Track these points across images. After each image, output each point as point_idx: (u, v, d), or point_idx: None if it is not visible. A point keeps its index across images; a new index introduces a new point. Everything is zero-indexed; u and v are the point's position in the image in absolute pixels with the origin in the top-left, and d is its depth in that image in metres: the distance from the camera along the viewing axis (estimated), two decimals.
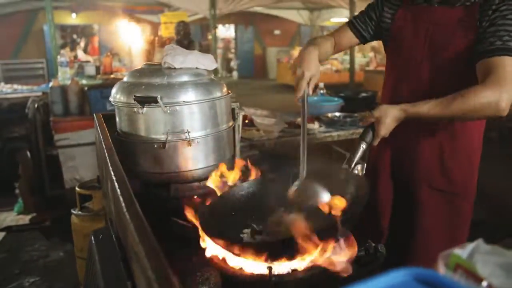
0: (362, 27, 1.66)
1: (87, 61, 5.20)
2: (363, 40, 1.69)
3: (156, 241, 0.74)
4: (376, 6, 1.63)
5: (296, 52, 14.16)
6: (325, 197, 1.27)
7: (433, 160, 1.50)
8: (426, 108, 1.28)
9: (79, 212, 2.27)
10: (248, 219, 1.30)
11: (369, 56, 12.52)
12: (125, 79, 1.63)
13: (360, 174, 1.33)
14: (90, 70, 4.54)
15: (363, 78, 10.86)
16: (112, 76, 4.47)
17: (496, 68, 1.25)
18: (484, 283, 0.52)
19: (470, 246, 0.61)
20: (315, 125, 2.86)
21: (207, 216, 1.23)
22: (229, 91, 1.71)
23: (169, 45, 1.66)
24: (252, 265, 1.11)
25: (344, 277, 1.23)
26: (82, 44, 10.26)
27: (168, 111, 1.49)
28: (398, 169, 1.60)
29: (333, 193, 1.27)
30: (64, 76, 4.35)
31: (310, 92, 1.43)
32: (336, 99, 3.55)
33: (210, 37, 14.79)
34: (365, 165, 1.36)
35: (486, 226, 2.28)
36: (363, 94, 3.82)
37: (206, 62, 1.62)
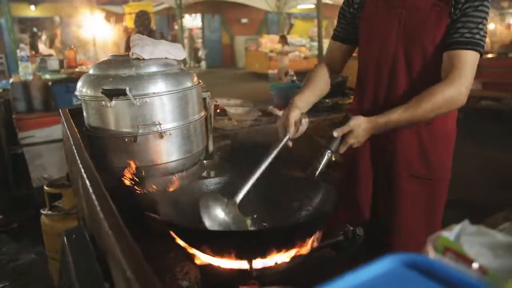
0: (343, 32, 1.65)
1: (50, 55, 5.00)
2: (352, 43, 1.66)
3: (133, 240, 0.70)
4: (346, 2, 1.62)
5: (264, 40, 14.13)
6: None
7: (412, 147, 1.51)
8: (396, 115, 1.34)
9: (49, 212, 2.19)
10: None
11: None
12: (91, 71, 1.56)
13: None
14: (53, 64, 4.36)
15: None
16: (77, 69, 4.31)
17: (459, 62, 1.33)
18: (475, 265, 0.51)
19: (456, 228, 0.61)
20: None
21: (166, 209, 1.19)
22: (200, 81, 1.67)
23: (136, 35, 1.60)
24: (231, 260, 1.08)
25: (328, 266, 1.24)
26: (44, 37, 9.87)
27: (138, 103, 1.44)
28: (377, 158, 1.60)
29: (298, 201, 1.25)
30: (26, 71, 4.16)
31: (291, 136, 1.39)
32: None
33: (176, 27, 14.55)
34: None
35: (456, 205, 2.34)
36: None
37: (175, 52, 1.57)
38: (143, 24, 5.19)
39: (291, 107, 1.43)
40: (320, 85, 1.63)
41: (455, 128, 1.57)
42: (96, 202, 0.85)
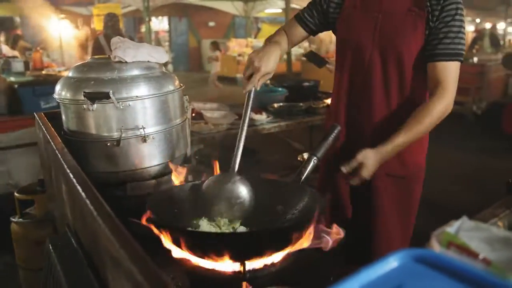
0: (309, 20, 1.64)
1: (14, 57, 4.81)
2: (312, 33, 1.69)
3: (138, 244, 0.70)
4: None
5: (232, 43, 14.14)
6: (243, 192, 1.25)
7: None
8: (401, 140, 1.38)
9: (20, 220, 2.11)
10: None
11: (304, 47, 12.78)
12: (70, 74, 1.52)
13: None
14: (18, 66, 4.20)
15: (301, 67, 11.07)
16: (44, 72, 4.17)
17: (447, 75, 1.40)
18: (481, 256, 0.54)
19: (456, 224, 0.64)
20: (263, 116, 2.87)
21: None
22: (181, 84, 1.66)
23: (116, 37, 1.57)
24: (222, 264, 1.09)
25: (314, 265, 1.26)
26: (2, 38, 9.47)
27: (121, 107, 1.42)
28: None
29: (283, 205, 1.27)
30: None
31: (258, 88, 1.43)
32: (280, 89, 3.58)
33: (143, 29, 14.32)
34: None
35: (430, 204, 2.43)
36: (306, 84, 3.89)
37: (158, 55, 1.56)
38: (113, 26, 5.03)
39: (263, 60, 1.41)
40: (283, 47, 1.62)
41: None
42: (91, 207, 0.83)
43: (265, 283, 1.06)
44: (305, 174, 1.32)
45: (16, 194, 2.15)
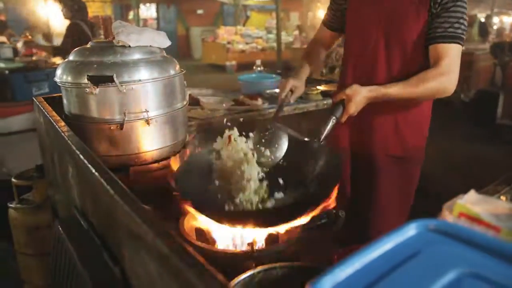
0: (330, 19, 1.77)
1: (2, 42, 4.71)
2: (336, 31, 1.80)
3: (160, 219, 0.72)
4: None
5: (221, 31, 14.04)
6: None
7: (389, 130, 1.61)
8: (395, 90, 1.41)
9: (19, 205, 2.10)
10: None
11: (294, 34, 12.76)
12: (71, 58, 1.52)
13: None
14: (7, 52, 4.12)
15: (290, 55, 11.07)
16: (34, 58, 4.10)
17: (448, 55, 1.42)
18: (492, 224, 0.58)
19: (465, 197, 0.67)
20: (259, 102, 2.88)
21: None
22: (182, 69, 1.67)
23: (117, 21, 1.57)
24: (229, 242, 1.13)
25: (317, 244, 1.30)
26: None
27: (124, 90, 1.42)
28: (355, 139, 1.68)
29: (303, 163, 1.32)
30: None
31: (291, 100, 1.64)
32: (274, 75, 3.59)
33: (131, 17, 14.13)
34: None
35: (418, 190, 2.50)
36: None
37: (160, 40, 1.57)
38: (79, 13, 4.14)
39: (293, 77, 1.64)
40: (313, 59, 1.78)
41: (430, 113, 1.67)
42: (108, 187, 0.85)
43: (271, 261, 1.09)
44: (324, 134, 1.37)
45: (13, 180, 2.14)
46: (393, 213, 1.64)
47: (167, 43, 1.59)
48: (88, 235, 1.06)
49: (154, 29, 1.64)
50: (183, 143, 1.76)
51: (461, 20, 1.43)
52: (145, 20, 16.34)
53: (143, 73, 1.45)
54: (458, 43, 1.44)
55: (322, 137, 1.35)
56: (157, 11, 16.55)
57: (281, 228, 1.13)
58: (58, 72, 1.50)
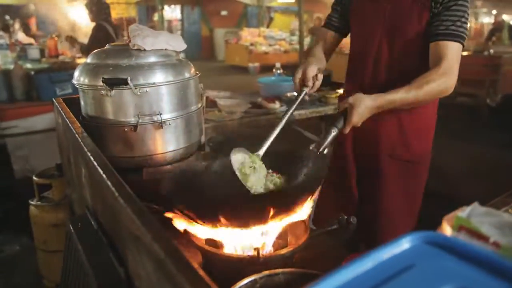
0: (334, 21, 1.74)
1: (30, 44, 4.86)
2: (340, 32, 1.75)
3: (159, 223, 0.73)
4: None
5: (244, 33, 14.09)
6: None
7: (394, 132, 1.60)
8: (400, 95, 1.36)
9: (39, 203, 2.17)
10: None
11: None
12: (88, 60, 1.55)
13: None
14: (34, 53, 4.25)
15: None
16: (59, 59, 4.22)
17: (448, 54, 1.40)
18: (492, 239, 0.56)
19: (467, 209, 0.66)
20: (276, 105, 2.89)
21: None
22: (197, 72, 1.68)
23: (134, 25, 1.60)
24: (236, 246, 1.12)
25: (326, 251, 1.29)
26: (17, 26, 9.56)
27: (139, 93, 1.45)
28: (361, 143, 1.68)
29: (291, 171, 1.29)
30: (5, 60, 4.05)
31: (313, 90, 1.50)
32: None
33: (156, 18, 14.33)
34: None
35: (442, 197, 2.45)
36: None
37: (176, 43, 1.59)
38: (104, 14, 4.23)
39: (308, 63, 1.50)
40: (323, 60, 1.68)
41: (436, 114, 1.66)
42: (113, 189, 0.86)
43: (278, 267, 1.09)
44: (324, 145, 1.30)
45: (34, 178, 2.20)
46: (401, 217, 1.63)
47: (182, 46, 1.61)
48: (97, 235, 1.08)
49: (170, 33, 1.66)
50: (197, 145, 1.78)
51: (463, 19, 1.42)
52: (169, 22, 16.57)
53: (158, 76, 1.47)
54: (459, 42, 1.42)
55: (321, 148, 1.30)
56: (182, 13, 16.74)
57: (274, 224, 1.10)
58: (76, 74, 1.54)
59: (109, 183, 0.90)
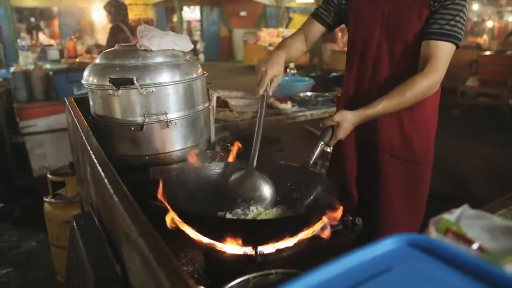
0: (325, 14, 1.71)
1: (50, 45, 4.98)
2: (329, 27, 1.74)
3: (148, 221, 0.74)
4: None
5: (263, 33, 14.10)
6: (266, 189, 1.29)
7: (393, 130, 1.58)
8: (381, 107, 1.38)
9: (52, 200, 2.22)
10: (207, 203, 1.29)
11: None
12: (97, 60, 1.58)
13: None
14: (54, 54, 4.36)
15: (329, 58, 10.94)
16: (77, 60, 4.31)
17: (437, 54, 1.40)
18: (475, 245, 0.55)
19: (457, 212, 0.64)
20: (288, 105, 2.88)
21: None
22: (204, 72, 1.69)
23: (142, 26, 1.62)
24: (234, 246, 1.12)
25: (327, 251, 1.28)
26: (43, 27, 9.82)
27: (144, 93, 1.47)
28: (361, 142, 1.66)
29: (297, 191, 1.30)
30: (26, 60, 4.16)
31: (270, 92, 1.49)
32: (307, 79, 3.57)
33: (175, 19, 14.49)
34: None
35: (450, 199, 2.40)
36: (333, 74, 3.86)
37: (182, 44, 1.60)
38: (121, 16, 4.36)
39: (269, 64, 1.50)
40: (294, 49, 1.70)
41: (437, 112, 1.63)
42: (109, 187, 0.88)
43: (275, 267, 1.09)
44: (312, 159, 1.34)
45: (48, 175, 2.26)
46: (403, 217, 1.60)
47: (189, 46, 1.62)
48: (98, 232, 1.10)
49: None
50: (205, 145, 1.79)
51: (457, 18, 1.40)
52: (188, 22, 16.72)
53: (163, 76, 1.49)
54: (452, 42, 1.41)
55: (311, 162, 1.32)
56: (201, 13, 16.86)
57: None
58: (85, 74, 1.57)
59: (106, 181, 0.91)
